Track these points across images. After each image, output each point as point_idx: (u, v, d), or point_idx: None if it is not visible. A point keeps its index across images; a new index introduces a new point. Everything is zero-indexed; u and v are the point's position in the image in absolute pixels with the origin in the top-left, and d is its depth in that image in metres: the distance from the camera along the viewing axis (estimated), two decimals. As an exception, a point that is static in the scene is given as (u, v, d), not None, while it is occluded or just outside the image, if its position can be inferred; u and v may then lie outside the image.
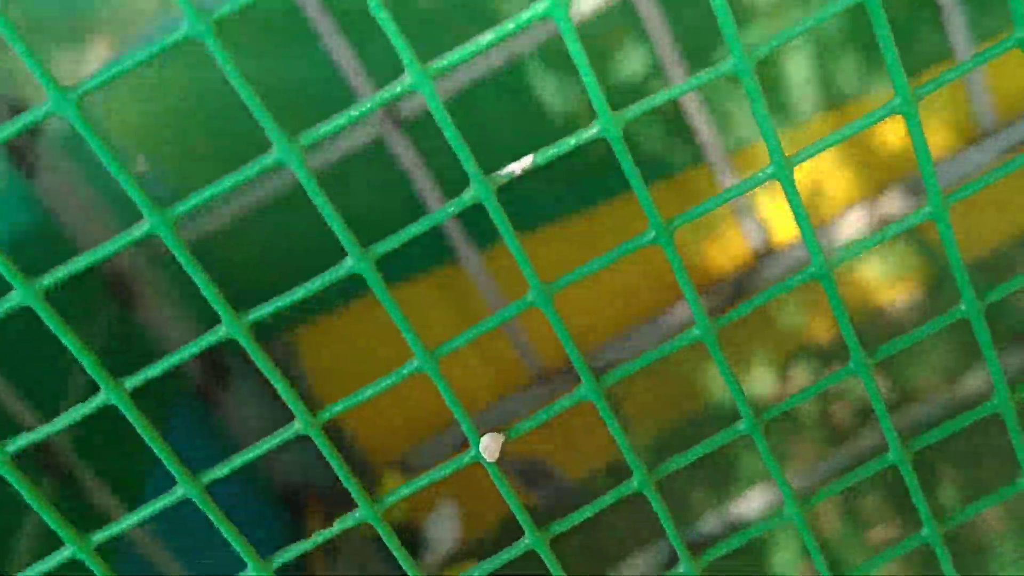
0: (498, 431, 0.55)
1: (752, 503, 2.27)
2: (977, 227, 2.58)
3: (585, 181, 2.49)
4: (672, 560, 2.13)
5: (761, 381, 2.63)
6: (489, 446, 0.52)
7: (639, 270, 2.60)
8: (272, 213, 2.40)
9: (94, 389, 0.51)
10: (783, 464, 2.23)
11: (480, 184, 0.49)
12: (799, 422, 2.46)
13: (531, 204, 2.54)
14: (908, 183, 2.61)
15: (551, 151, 0.48)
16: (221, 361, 2.34)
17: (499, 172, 0.49)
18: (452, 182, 2.45)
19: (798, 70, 2.53)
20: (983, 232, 2.59)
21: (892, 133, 2.58)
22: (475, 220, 2.54)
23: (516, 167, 0.47)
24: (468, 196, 0.49)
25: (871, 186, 2.67)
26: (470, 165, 0.48)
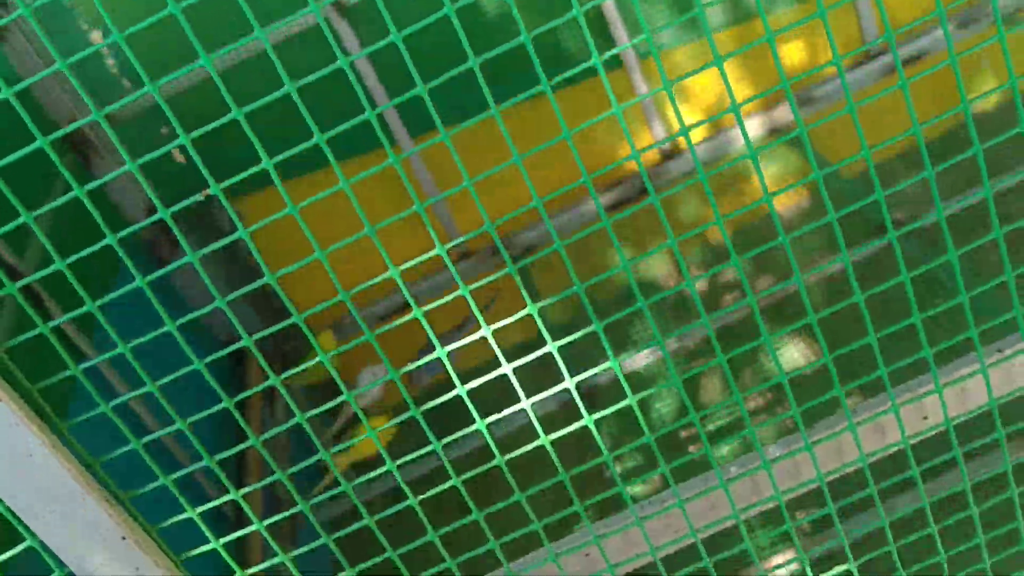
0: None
1: (639, 361, 2.48)
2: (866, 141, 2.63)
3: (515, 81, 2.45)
4: (565, 404, 2.23)
5: (659, 267, 2.70)
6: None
7: (559, 164, 2.60)
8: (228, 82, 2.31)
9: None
10: (669, 331, 2.31)
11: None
12: (688, 300, 2.56)
13: (464, 101, 2.49)
14: (799, 95, 2.64)
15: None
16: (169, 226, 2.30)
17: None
18: (385, 65, 2.42)
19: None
20: (869, 145, 2.65)
21: (791, 52, 2.60)
22: (410, 111, 2.51)
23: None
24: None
25: (767, 97, 2.69)
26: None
